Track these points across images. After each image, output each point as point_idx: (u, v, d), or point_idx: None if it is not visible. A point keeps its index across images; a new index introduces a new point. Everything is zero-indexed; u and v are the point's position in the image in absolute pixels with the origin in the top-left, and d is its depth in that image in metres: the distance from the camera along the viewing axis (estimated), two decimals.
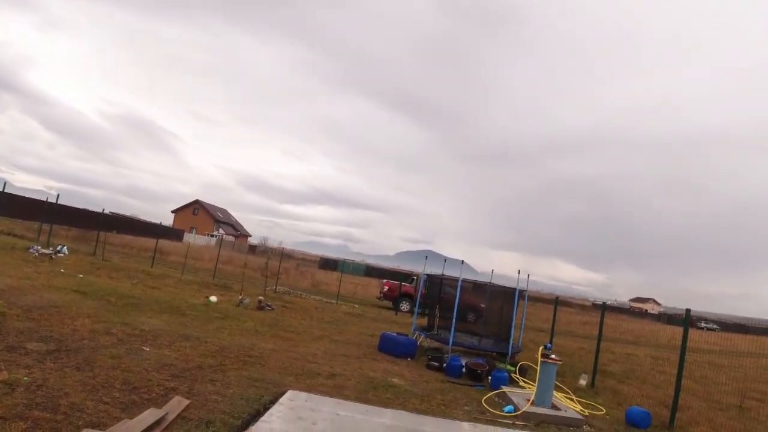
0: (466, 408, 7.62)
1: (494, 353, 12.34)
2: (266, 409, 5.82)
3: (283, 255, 38.14)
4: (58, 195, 24.67)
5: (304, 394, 6.65)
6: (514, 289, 12.31)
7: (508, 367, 10.89)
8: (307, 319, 14.95)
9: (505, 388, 8.97)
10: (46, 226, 24.02)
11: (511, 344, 11.79)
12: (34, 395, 4.90)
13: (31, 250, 17.94)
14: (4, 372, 5.14)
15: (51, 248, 19.64)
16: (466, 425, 6.59)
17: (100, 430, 4.36)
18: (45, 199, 26.92)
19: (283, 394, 6.50)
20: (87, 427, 4.40)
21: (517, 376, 10.51)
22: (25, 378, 5.27)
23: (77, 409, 4.80)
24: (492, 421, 7.06)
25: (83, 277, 14.24)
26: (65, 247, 20.38)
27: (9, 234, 23.37)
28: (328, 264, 58.01)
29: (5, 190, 25.08)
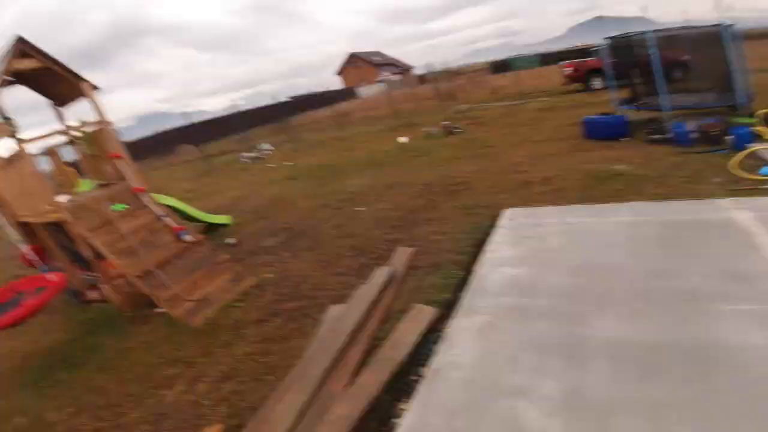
0: (715, 180, 6.08)
1: (722, 108, 9.85)
2: (488, 235, 5.51)
3: (452, 73, 36.47)
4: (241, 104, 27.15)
5: (522, 210, 6.16)
6: (719, 25, 9.35)
7: (749, 119, 8.56)
8: (498, 128, 14.11)
9: (752, 147, 7.03)
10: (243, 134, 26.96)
11: (739, 92, 9.20)
12: (281, 288, 5.41)
13: (242, 159, 20.10)
14: (251, 277, 5.73)
15: (256, 150, 21.82)
16: (724, 202, 5.18)
17: (342, 304, 4.57)
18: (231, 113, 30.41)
19: (500, 215, 6.11)
20: (331, 303, 4.65)
21: (763, 128, 8.19)
22: (270, 275, 5.84)
23: (319, 288, 5.15)
24: (755, 189, 5.50)
25: (290, 165, 15.52)
26: (267, 144, 22.45)
27: (224, 153, 26.78)
28: (500, 67, 53.70)
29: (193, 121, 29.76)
